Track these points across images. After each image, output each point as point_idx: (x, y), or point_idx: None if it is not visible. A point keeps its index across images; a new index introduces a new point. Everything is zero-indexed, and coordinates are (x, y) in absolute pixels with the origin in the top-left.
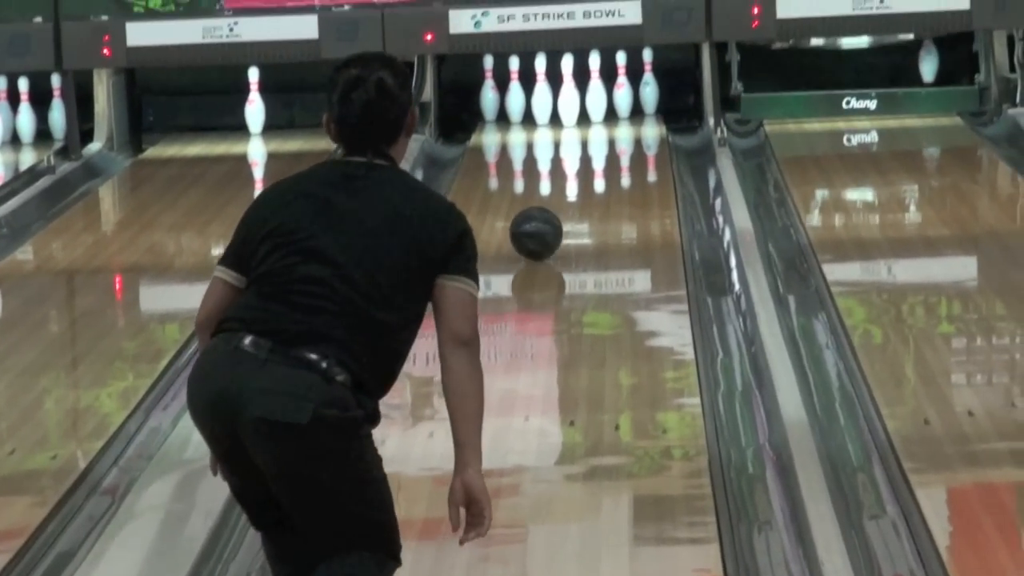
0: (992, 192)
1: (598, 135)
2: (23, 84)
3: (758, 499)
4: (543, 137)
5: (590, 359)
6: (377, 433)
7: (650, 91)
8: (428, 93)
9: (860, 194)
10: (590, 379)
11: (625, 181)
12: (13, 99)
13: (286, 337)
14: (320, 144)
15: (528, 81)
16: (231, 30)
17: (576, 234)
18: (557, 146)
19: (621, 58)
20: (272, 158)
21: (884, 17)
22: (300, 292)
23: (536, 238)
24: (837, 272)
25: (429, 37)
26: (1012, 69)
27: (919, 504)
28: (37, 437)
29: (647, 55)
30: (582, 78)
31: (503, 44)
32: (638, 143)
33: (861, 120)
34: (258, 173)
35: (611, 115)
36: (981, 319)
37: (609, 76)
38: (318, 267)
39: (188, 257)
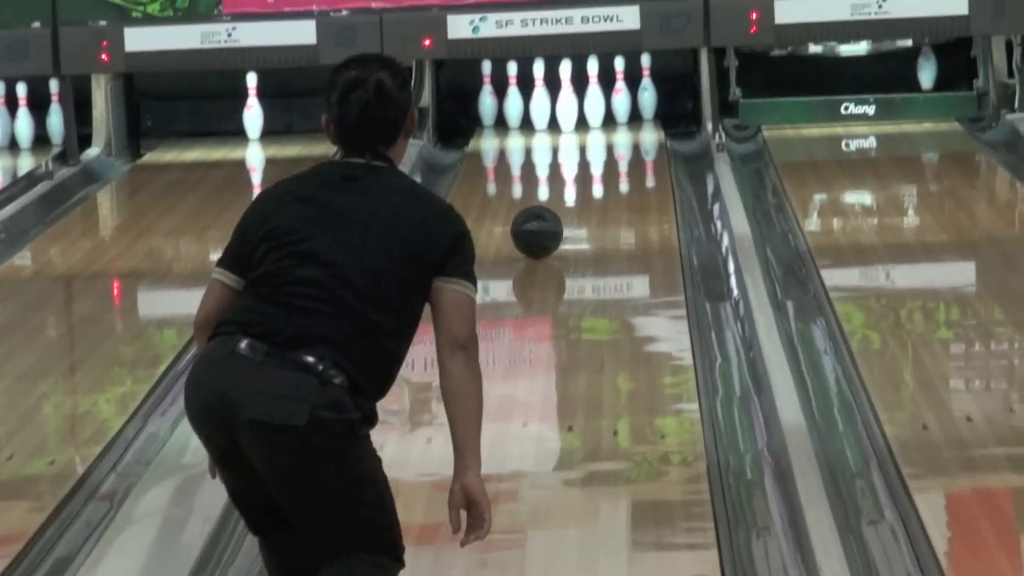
0: (990, 198)
1: (596, 140)
2: (21, 89)
3: (756, 505)
4: (541, 142)
5: (588, 364)
6: (375, 438)
7: (648, 96)
8: (426, 98)
9: (858, 199)
10: (588, 384)
11: (623, 186)
12: (11, 104)
13: (282, 340)
14: (318, 149)
15: (526, 86)
16: (229, 35)
17: (574, 239)
18: (555, 151)
19: (619, 63)
20: (270, 163)
21: (882, 22)
22: (296, 294)
23: (537, 235)
24: (835, 277)
25: (427, 42)
26: (1010, 75)
27: (917, 510)
28: (35, 442)
29: (645, 60)
30: (580, 83)
31: (501, 49)
32: (636, 148)
33: (859, 126)
34: (256, 178)
35: (609, 120)
36: (979, 325)
37: (607, 81)
38: (315, 269)
39: (186, 262)
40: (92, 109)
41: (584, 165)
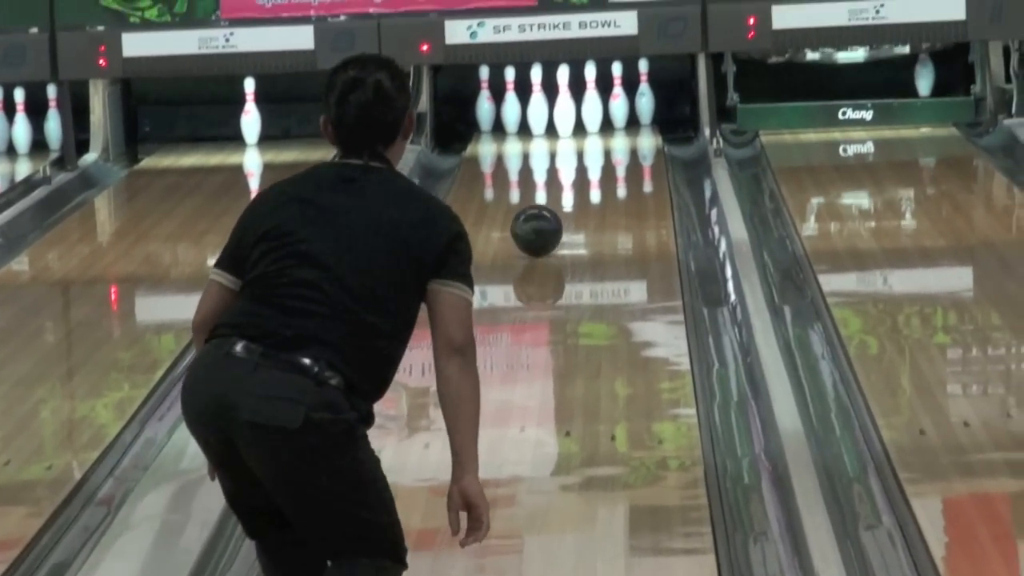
0: (988, 202)
1: (594, 145)
2: (19, 94)
3: (754, 509)
4: (539, 147)
5: (586, 369)
6: (373, 443)
7: (646, 102)
8: (424, 103)
9: (856, 204)
10: (586, 389)
11: (621, 191)
12: (9, 109)
13: (278, 341)
14: (316, 154)
15: (524, 91)
16: (227, 40)
17: (572, 244)
18: (553, 156)
19: (617, 69)
20: (268, 168)
21: (880, 28)
22: (292, 296)
23: (537, 234)
24: (833, 282)
25: (425, 47)
26: (1008, 80)
27: (915, 514)
28: (32, 448)
29: (643, 66)
30: (578, 89)
31: (499, 54)
32: (634, 154)
33: (857, 131)
34: (254, 183)
35: (607, 125)
36: (977, 329)
37: (605, 87)
38: (311, 270)
39: (184, 267)
40: (90, 114)
41: (582, 170)
